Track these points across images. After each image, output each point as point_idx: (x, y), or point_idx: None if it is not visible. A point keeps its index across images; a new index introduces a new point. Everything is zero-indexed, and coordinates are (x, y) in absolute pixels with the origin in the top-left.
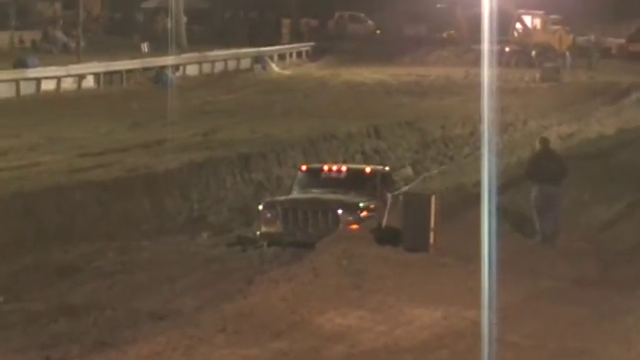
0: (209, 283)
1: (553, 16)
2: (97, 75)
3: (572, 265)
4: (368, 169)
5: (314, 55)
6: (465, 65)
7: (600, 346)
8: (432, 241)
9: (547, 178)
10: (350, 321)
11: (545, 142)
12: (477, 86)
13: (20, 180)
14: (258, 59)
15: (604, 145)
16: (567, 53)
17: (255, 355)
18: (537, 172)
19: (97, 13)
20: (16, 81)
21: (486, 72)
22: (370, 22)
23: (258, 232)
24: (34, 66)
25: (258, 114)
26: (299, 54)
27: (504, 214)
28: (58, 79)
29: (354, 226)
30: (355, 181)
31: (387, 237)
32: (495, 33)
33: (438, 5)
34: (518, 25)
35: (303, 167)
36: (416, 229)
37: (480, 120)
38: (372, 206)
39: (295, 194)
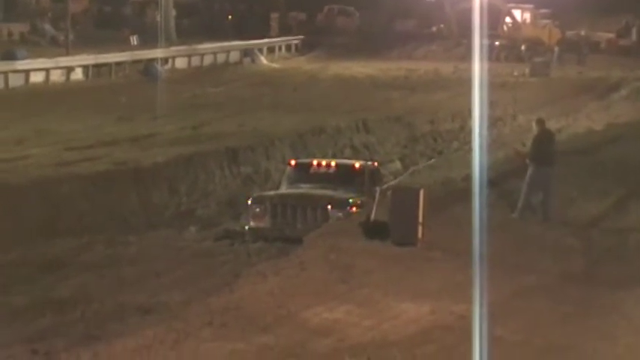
0: (196, 277)
1: (543, 11)
2: (85, 67)
3: (559, 261)
4: (357, 165)
5: (303, 49)
6: (454, 60)
7: (586, 342)
8: (419, 235)
9: (547, 160)
10: (337, 315)
11: (541, 123)
12: (465, 81)
13: (7, 173)
14: (247, 52)
15: (593, 140)
16: (556, 48)
17: (241, 349)
18: (539, 155)
19: (85, 5)
20: (5, 73)
21: (476, 66)
22: (358, 16)
23: (246, 227)
24: (23, 58)
25: (246, 107)
26: (288, 47)
27: (494, 208)
28: (47, 71)
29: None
30: (344, 176)
31: (375, 231)
32: (485, 27)
33: None
34: (507, 20)
35: (292, 162)
36: (404, 223)
37: (468, 115)
38: (360, 202)
39: (284, 189)
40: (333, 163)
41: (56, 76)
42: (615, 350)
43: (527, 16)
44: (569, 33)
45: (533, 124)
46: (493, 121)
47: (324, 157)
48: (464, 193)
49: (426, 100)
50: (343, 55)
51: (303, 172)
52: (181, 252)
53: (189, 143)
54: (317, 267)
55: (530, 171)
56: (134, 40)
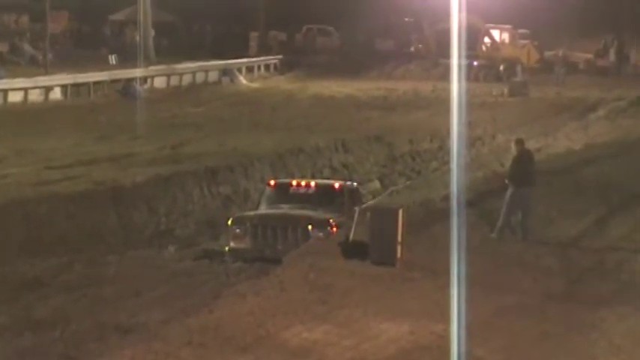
0: (175, 297)
1: (521, 31)
2: (64, 87)
3: (538, 281)
4: (336, 185)
5: (282, 69)
6: (433, 79)
7: None
8: (399, 255)
9: (526, 180)
10: (316, 335)
11: (521, 143)
12: (444, 100)
13: None
14: (226, 72)
15: (572, 160)
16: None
17: None
18: (518, 175)
19: (64, 25)
20: None
21: (455, 86)
22: (338, 36)
23: (226, 248)
24: (2, 78)
25: (225, 127)
26: (267, 67)
27: (473, 228)
28: (25, 90)
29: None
30: (324, 196)
31: (354, 251)
32: (463, 47)
33: (406, 19)
34: (486, 40)
35: (271, 182)
36: (383, 243)
37: (447, 134)
38: (340, 222)
39: (263, 210)
40: (312, 183)
41: (35, 96)
42: None
43: (506, 36)
44: (548, 53)
45: (513, 144)
46: (472, 141)
47: (303, 177)
48: (443, 213)
49: (405, 120)
50: (322, 74)
51: (283, 193)
52: (160, 271)
53: (168, 163)
54: (296, 287)
55: (509, 191)
56: (113, 59)
